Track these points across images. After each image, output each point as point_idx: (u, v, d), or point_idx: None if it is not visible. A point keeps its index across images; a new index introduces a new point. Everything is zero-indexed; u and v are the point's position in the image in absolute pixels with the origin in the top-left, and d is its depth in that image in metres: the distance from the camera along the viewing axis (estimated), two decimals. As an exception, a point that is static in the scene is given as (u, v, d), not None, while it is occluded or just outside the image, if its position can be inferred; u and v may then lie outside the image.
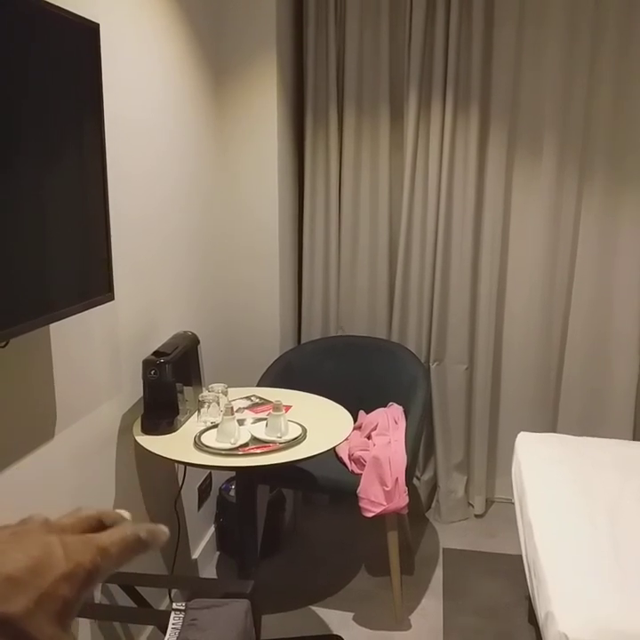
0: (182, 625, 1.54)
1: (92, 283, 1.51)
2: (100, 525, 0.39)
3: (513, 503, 2.31)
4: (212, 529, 2.76)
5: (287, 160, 2.82)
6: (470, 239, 2.86)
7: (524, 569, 1.97)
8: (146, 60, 1.99)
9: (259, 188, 2.69)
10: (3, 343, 1.31)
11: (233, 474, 2.66)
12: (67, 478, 1.67)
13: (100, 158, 1.49)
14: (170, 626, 1.54)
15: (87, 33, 1.42)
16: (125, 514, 0.42)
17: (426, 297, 2.93)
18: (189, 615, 1.56)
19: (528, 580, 1.85)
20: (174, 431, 1.94)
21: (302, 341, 3.04)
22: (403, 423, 2.49)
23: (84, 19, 1.41)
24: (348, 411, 2.15)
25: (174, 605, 1.58)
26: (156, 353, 1.94)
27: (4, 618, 0.31)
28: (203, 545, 2.63)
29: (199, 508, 2.60)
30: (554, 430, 2.95)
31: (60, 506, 1.64)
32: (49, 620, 0.32)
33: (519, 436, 2.41)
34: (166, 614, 1.58)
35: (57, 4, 1.30)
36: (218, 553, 2.76)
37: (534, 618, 1.94)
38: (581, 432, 2.64)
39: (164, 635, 1.55)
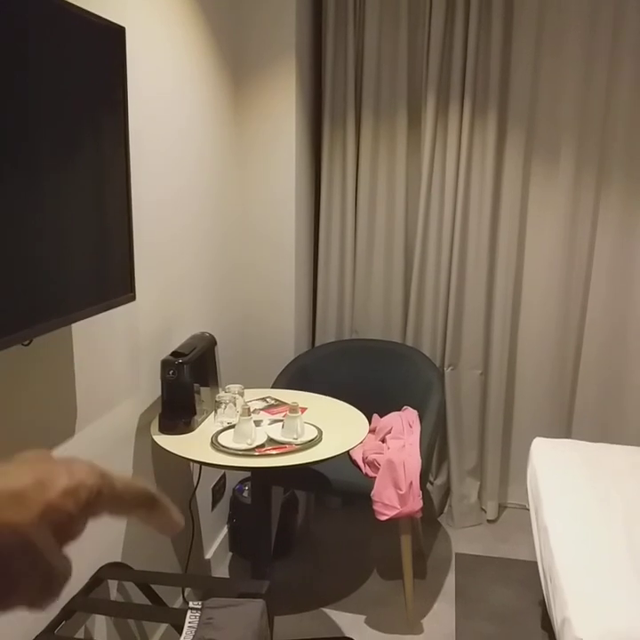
0: (199, 623, 1.54)
1: (114, 283, 1.53)
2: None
3: (526, 509, 2.31)
4: (225, 530, 2.77)
5: (304, 164, 2.83)
6: (486, 244, 2.86)
7: (536, 574, 1.96)
8: (167, 62, 2.01)
9: (276, 191, 2.70)
10: (26, 342, 1.33)
11: (246, 475, 2.68)
12: (85, 476, 1.69)
13: (123, 160, 1.51)
14: (186, 624, 1.55)
15: (113, 36, 1.44)
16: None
17: (441, 302, 2.93)
18: (206, 614, 1.56)
19: (543, 586, 1.84)
20: (191, 431, 1.95)
21: (316, 344, 3.05)
22: (417, 427, 2.49)
23: (111, 22, 1.42)
24: (363, 414, 2.15)
25: (191, 604, 1.59)
26: (175, 353, 1.95)
27: (13, 526, 0.33)
28: (216, 545, 2.64)
29: (213, 508, 2.62)
30: (568, 437, 2.94)
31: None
32: (52, 533, 0.34)
33: (534, 441, 2.40)
34: (182, 613, 1.59)
35: (84, 7, 1.32)
36: (230, 554, 2.76)
37: (547, 624, 1.93)
38: (596, 439, 2.63)
39: (179, 633, 1.56)
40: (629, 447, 2.38)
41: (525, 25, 2.72)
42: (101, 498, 0.37)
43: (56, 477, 0.35)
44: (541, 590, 1.89)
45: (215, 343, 2.18)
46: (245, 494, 2.66)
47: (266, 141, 2.67)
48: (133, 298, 1.59)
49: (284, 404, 2.19)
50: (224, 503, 2.74)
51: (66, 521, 0.35)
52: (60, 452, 1.56)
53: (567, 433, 2.99)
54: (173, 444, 1.89)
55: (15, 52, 1.13)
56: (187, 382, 1.93)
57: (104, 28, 1.41)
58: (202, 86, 2.27)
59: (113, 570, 1.80)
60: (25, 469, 0.35)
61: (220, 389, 2.16)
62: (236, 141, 2.66)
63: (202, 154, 2.31)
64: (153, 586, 1.93)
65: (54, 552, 0.34)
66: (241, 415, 1.89)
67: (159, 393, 1.99)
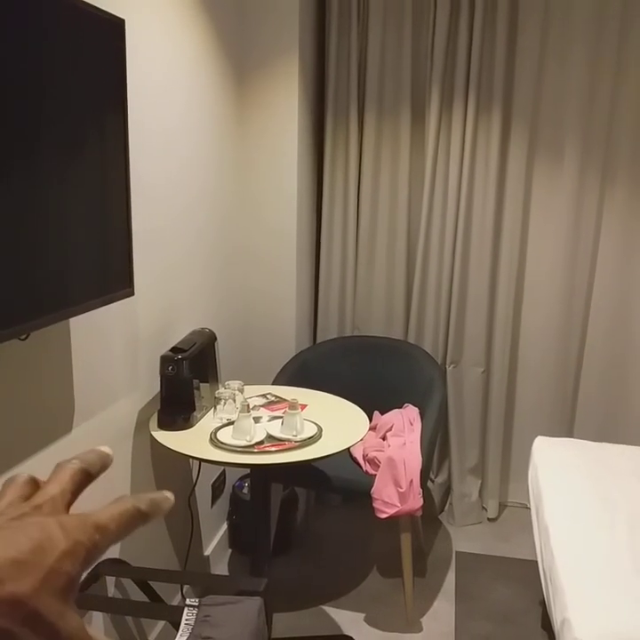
0: (195, 621, 1.54)
1: (112, 278, 1.52)
2: (87, 476, 0.41)
3: (527, 508, 2.29)
4: (225, 526, 2.76)
5: (307, 161, 2.81)
6: (490, 242, 2.85)
7: (537, 574, 1.95)
8: (170, 57, 1.99)
9: (278, 186, 2.69)
10: (23, 336, 1.32)
11: (247, 471, 2.67)
12: (83, 472, 1.68)
13: (122, 154, 1.49)
14: (183, 621, 1.54)
15: (112, 28, 1.43)
16: (106, 450, 0.43)
17: (443, 299, 2.91)
18: (203, 611, 1.56)
19: (543, 586, 1.83)
20: (190, 427, 1.94)
21: (318, 341, 3.04)
22: (418, 425, 2.48)
23: (110, 14, 1.41)
24: (363, 411, 2.14)
25: (188, 601, 1.58)
26: (174, 349, 1.94)
27: (15, 597, 0.32)
28: (215, 542, 2.63)
29: (212, 505, 2.61)
30: (570, 436, 2.93)
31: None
32: (55, 597, 0.33)
33: (536, 440, 2.39)
34: (179, 610, 1.58)
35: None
36: (230, 550, 2.76)
37: (547, 623, 1.92)
38: (598, 438, 2.61)
39: (176, 630, 1.55)
40: (631, 447, 2.36)
41: (530, 24, 2.70)
42: (98, 549, 0.37)
43: (53, 541, 0.34)
44: (542, 590, 1.87)
45: (215, 339, 2.17)
46: (245, 491, 2.65)
47: (268, 139, 2.65)
48: (132, 293, 1.58)
49: (284, 400, 2.17)
50: (224, 500, 2.73)
51: (67, 582, 0.34)
52: (58, 448, 1.55)
53: (569, 431, 2.98)
54: (172, 440, 1.88)
55: (16, 43, 1.12)
56: (186, 378, 1.92)
57: (102, 20, 1.39)
58: (204, 86, 2.25)
59: (111, 566, 1.79)
60: (20, 533, 0.34)
61: (220, 385, 2.15)
62: (239, 139, 2.64)
63: (207, 149, 2.30)
64: (151, 583, 1.92)
65: (60, 615, 0.33)
66: (240, 412, 1.88)
67: (158, 389, 1.98)
